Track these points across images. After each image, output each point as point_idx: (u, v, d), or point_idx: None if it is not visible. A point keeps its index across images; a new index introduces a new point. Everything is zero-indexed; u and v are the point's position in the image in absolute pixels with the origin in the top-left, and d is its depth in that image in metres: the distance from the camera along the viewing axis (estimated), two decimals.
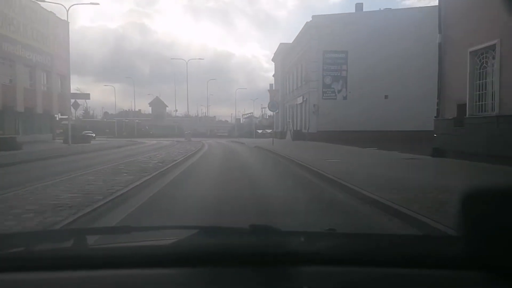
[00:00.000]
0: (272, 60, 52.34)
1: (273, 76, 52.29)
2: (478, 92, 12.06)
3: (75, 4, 36.05)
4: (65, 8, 30.48)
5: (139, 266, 1.01)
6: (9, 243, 1.32)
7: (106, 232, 1.68)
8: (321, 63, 31.60)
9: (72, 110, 32.35)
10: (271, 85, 52.94)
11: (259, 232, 1.23)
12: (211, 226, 1.66)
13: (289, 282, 0.97)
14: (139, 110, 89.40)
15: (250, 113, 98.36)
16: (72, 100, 29.74)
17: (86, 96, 35.23)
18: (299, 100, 35.78)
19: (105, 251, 1.19)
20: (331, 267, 1.01)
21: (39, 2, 26.80)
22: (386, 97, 31.20)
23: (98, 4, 40.40)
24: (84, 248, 1.22)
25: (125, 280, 0.98)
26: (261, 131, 66.98)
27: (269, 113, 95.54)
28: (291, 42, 40.78)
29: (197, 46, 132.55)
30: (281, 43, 45.91)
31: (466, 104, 12.36)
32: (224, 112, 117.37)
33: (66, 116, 30.59)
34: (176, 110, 76.15)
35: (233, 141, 40.27)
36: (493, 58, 11.30)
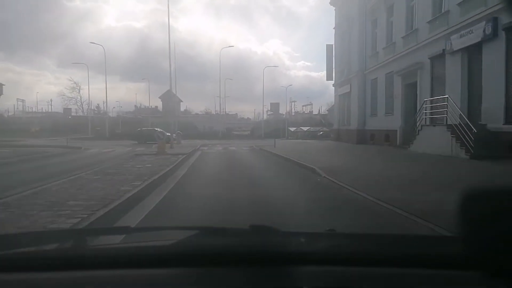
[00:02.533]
0: (331, 3, 29.47)
1: (333, 28, 29.26)
2: None
3: None
4: None
5: (139, 266, 1.00)
6: (9, 244, 1.29)
7: (106, 233, 1.66)
8: None
9: None
10: (328, 45, 29.84)
11: (259, 233, 1.21)
12: (212, 226, 1.40)
13: (289, 282, 0.96)
14: (156, 106, 77.03)
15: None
16: None
17: None
18: (466, 40, 12.34)
19: (105, 252, 1.17)
20: (331, 267, 0.99)
21: None
22: None
23: None
24: (85, 249, 1.21)
25: (125, 281, 0.97)
26: (295, 129, 52.70)
27: (298, 109, 77.47)
28: None
29: (219, 44, 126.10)
30: None
31: None
32: (246, 110, 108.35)
33: None
34: (182, 100, 58.81)
35: (264, 151, 18.01)
36: None
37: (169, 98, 70.11)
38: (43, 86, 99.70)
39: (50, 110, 68.48)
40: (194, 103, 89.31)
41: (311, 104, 77.36)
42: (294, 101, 72.81)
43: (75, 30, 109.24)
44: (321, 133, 48.60)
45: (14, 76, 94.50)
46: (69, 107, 50.97)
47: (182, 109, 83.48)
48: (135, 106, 72.44)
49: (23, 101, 70.79)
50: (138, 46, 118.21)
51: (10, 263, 1.04)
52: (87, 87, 70.54)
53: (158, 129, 22.55)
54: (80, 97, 64.90)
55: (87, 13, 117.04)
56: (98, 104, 70.40)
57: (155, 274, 0.98)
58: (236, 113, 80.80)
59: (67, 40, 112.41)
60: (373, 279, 0.96)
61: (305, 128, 52.54)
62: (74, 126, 44.24)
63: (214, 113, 74.36)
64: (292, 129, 51.99)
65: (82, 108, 65.30)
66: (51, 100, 69.33)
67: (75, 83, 63.78)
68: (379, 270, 0.98)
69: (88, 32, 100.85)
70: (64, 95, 63.87)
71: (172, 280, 0.97)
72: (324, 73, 31.56)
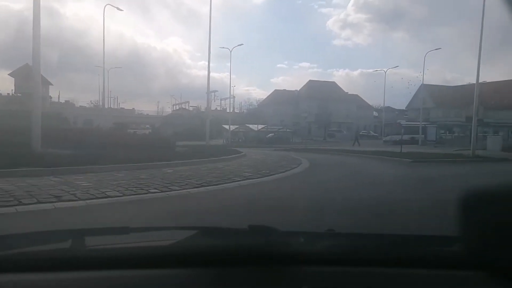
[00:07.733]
0: None
1: None
2: None
3: None
4: None
5: (138, 266, 0.99)
6: (8, 244, 1.25)
7: (105, 233, 1.60)
8: None
9: None
10: None
11: (258, 233, 1.21)
12: (210, 226, 1.49)
13: (288, 282, 0.96)
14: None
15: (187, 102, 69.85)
16: None
17: None
18: None
19: (104, 252, 1.16)
20: (330, 267, 0.99)
21: None
22: None
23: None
24: (83, 249, 1.20)
25: (124, 281, 0.96)
26: (236, 127, 39.83)
27: (262, 99, 63.31)
28: None
29: (114, 35, 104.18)
30: None
31: None
32: (144, 108, 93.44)
33: None
34: (52, 83, 37.86)
35: None
36: None
37: (25, 77, 43.59)
38: None
39: None
40: (83, 97, 69.93)
41: (234, 97, 60.99)
42: (216, 91, 54.90)
43: None
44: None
45: None
46: None
47: (58, 98, 60.38)
48: None
49: None
50: (16, 31, 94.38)
51: (9, 264, 1.02)
52: None
53: None
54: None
55: None
56: None
57: (154, 275, 0.97)
58: (133, 108, 70.06)
59: None
60: (373, 279, 0.95)
61: (255, 127, 37.43)
62: None
63: (107, 108, 54.49)
64: (232, 127, 37.60)
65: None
66: None
67: None
68: (379, 270, 0.97)
69: None
70: None
71: (171, 280, 0.96)
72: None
